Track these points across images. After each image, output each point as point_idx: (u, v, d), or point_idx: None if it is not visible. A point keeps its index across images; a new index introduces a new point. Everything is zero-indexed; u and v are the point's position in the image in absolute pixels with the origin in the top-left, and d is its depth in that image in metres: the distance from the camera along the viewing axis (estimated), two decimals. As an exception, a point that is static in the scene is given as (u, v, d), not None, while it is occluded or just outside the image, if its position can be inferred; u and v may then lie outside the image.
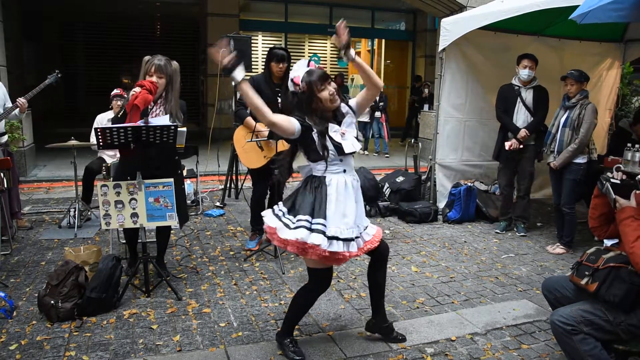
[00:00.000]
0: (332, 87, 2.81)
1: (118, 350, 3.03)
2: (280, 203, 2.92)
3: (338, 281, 4.14)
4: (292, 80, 2.84)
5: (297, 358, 2.94)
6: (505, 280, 4.29)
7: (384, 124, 11.06)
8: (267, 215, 2.89)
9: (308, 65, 2.85)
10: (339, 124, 2.87)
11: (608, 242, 4.16)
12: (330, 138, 2.79)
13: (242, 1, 13.85)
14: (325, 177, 2.83)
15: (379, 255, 3.05)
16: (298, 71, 2.83)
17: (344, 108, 2.93)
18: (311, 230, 2.71)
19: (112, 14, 15.78)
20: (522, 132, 5.30)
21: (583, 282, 2.61)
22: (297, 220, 2.74)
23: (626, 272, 2.47)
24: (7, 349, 3.00)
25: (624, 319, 2.47)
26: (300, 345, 3.06)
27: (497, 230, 5.67)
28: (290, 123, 2.74)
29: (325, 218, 2.74)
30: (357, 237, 2.84)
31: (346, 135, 2.84)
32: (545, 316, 3.51)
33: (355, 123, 2.96)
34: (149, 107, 3.77)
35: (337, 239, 2.74)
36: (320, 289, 2.99)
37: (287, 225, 2.76)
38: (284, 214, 2.82)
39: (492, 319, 3.55)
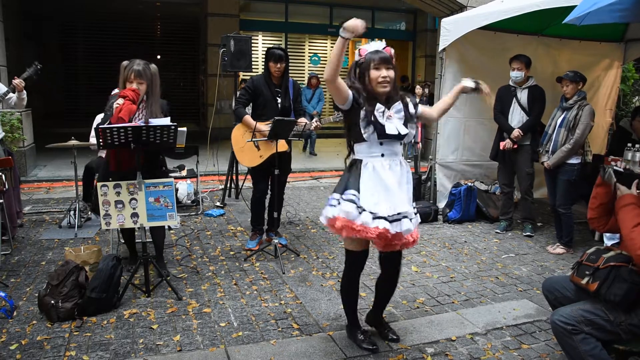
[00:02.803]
0: (387, 72, 2.83)
1: (118, 350, 3.03)
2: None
3: (338, 281, 4.14)
4: (359, 50, 2.91)
5: (370, 347, 3.05)
6: (506, 280, 4.29)
7: (420, 128, 10.56)
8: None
9: (383, 48, 2.88)
10: (389, 108, 2.89)
11: (608, 242, 4.16)
12: (374, 117, 2.82)
13: (242, 1, 13.85)
14: (362, 160, 2.89)
15: (389, 269, 3.12)
16: (369, 46, 2.88)
17: (403, 101, 2.94)
18: (342, 201, 2.83)
19: (112, 14, 15.77)
20: (516, 132, 5.31)
21: (584, 281, 2.61)
22: (331, 198, 2.89)
23: (627, 271, 2.47)
24: (8, 348, 3.00)
25: (624, 318, 2.47)
26: (303, 345, 3.06)
27: (497, 230, 5.67)
28: (346, 89, 2.80)
29: (358, 191, 2.82)
30: (393, 221, 2.82)
31: (392, 118, 2.87)
32: (546, 316, 3.51)
33: (408, 113, 2.96)
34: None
35: (365, 211, 2.79)
36: (353, 270, 3.06)
37: (329, 204, 2.91)
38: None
39: (493, 319, 3.55)
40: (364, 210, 2.78)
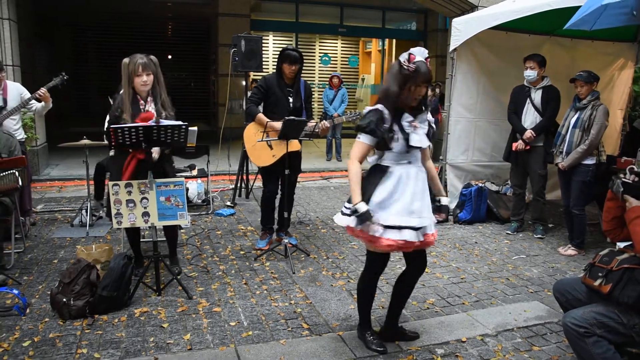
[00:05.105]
0: (425, 92, 2.84)
1: (129, 348, 3.05)
2: None
3: (348, 281, 4.14)
4: (409, 54, 2.82)
5: (379, 349, 3.04)
6: (516, 282, 4.26)
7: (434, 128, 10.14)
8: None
9: (426, 59, 2.83)
10: (415, 117, 2.89)
11: (621, 244, 4.11)
12: (402, 126, 2.83)
13: (253, 1, 13.87)
14: (389, 167, 2.87)
15: (414, 268, 3.05)
16: (419, 54, 2.81)
17: (426, 115, 2.95)
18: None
19: (124, 14, 15.89)
20: (528, 133, 5.27)
21: (596, 283, 2.59)
22: (346, 208, 2.91)
23: (640, 274, 2.45)
24: (21, 345, 3.03)
25: (638, 321, 2.45)
26: (313, 344, 3.06)
27: (508, 231, 5.64)
28: (368, 151, 2.89)
29: (368, 203, 2.80)
30: (415, 228, 2.81)
31: (418, 129, 2.88)
32: (557, 318, 3.48)
33: (431, 123, 2.99)
34: (141, 106, 3.83)
35: (380, 225, 2.79)
36: (372, 270, 3.04)
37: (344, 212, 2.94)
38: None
39: (503, 320, 3.53)
40: (376, 223, 2.78)
